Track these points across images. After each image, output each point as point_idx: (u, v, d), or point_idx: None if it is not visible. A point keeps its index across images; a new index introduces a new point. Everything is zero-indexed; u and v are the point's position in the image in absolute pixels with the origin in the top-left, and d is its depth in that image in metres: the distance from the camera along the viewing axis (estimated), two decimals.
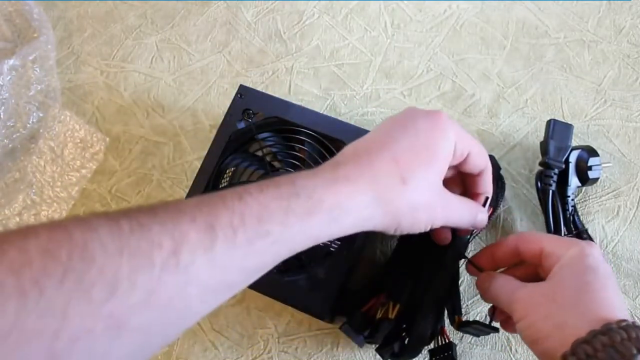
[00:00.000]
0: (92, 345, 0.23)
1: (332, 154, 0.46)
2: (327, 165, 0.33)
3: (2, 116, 0.55)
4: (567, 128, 0.47)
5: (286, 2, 0.61)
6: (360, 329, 0.43)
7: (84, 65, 0.61)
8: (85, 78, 0.61)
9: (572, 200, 0.47)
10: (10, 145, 0.56)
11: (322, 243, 0.45)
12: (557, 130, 0.47)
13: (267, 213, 0.28)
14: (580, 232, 0.47)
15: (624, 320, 0.30)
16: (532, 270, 0.38)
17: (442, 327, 0.43)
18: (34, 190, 0.57)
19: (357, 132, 0.46)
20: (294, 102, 0.48)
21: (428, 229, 0.35)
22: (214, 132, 0.49)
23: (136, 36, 0.62)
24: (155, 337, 0.26)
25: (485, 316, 0.47)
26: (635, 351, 0.29)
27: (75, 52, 0.62)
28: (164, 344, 0.27)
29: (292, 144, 0.48)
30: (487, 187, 0.40)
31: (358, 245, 0.44)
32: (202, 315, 0.28)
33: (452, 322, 0.43)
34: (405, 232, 0.34)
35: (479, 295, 0.48)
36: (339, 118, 0.50)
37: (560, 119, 0.49)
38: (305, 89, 0.57)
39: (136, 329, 0.24)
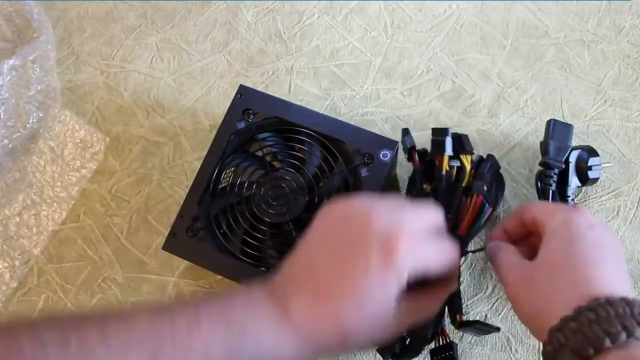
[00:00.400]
0: None
1: (332, 154, 0.46)
2: (277, 306, 0.32)
3: (2, 116, 0.55)
4: (567, 128, 0.47)
5: (286, 2, 0.61)
6: None
7: (84, 65, 0.61)
8: (85, 78, 0.61)
9: (572, 200, 0.47)
10: (10, 145, 0.56)
11: None
12: (557, 130, 0.47)
13: (211, 354, 0.29)
14: None
15: (597, 299, 0.29)
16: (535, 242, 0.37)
17: (443, 327, 0.43)
18: (34, 190, 0.57)
19: (357, 132, 0.46)
20: (294, 102, 0.48)
21: None
22: (214, 132, 0.49)
23: (136, 36, 0.62)
24: None
25: (486, 316, 0.47)
26: (602, 334, 0.27)
27: (75, 52, 0.62)
28: None
29: (292, 144, 0.48)
30: (447, 289, 0.37)
31: None
32: None
33: (453, 322, 0.43)
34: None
35: (479, 295, 0.48)
36: (339, 118, 0.50)
37: (560, 119, 0.49)
38: (305, 89, 0.57)
39: None
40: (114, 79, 0.60)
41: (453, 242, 0.36)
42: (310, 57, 0.58)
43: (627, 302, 0.28)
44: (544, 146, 0.47)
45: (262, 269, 0.45)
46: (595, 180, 0.47)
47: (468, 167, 0.45)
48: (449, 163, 0.45)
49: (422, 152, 0.47)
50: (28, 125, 0.57)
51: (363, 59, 0.57)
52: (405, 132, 0.48)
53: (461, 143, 0.46)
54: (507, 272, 0.35)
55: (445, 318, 0.44)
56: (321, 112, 0.55)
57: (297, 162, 0.47)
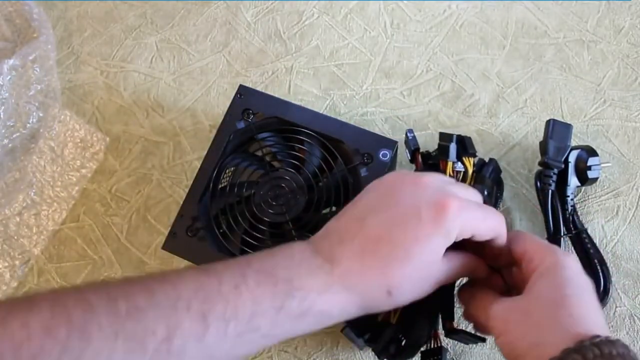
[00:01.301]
0: None
1: (331, 154, 0.47)
2: (322, 260, 0.33)
3: (2, 116, 0.55)
4: (566, 128, 0.47)
5: (286, 2, 0.61)
6: (361, 333, 0.43)
7: (84, 65, 0.61)
8: (85, 78, 0.61)
9: (572, 200, 0.47)
10: (10, 145, 0.56)
11: None
12: (556, 130, 0.47)
13: (260, 310, 0.30)
14: (579, 232, 0.47)
15: (597, 336, 0.30)
16: (518, 274, 0.38)
17: (436, 330, 0.43)
18: (34, 190, 0.57)
19: (357, 132, 0.46)
20: (293, 102, 0.49)
21: None
22: (214, 132, 0.49)
23: (136, 36, 0.62)
24: None
25: None
26: None
27: (75, 52, 0.62)
28: None
29: (292, 144, 0.48)
30: (498, 250, 0.38)
31: None
32: None
33: (443, 327, 0.43)
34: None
35: None
36: (339, 118, 0.50)
37: (560, 118, 0.49)
38: (305, 89, 0.57)
39: None
40: (114, 79, 0.60)
41: (498, 212, 0.37)
42: (310, 57, 0.58)
43: (596, 342, 0.30)
44: (544, 146, 0.47)
45: None
46: (595, 180, 0.47)
47: (470, 170, 0.45)
48: (453, 168, 0.45)
49: (426, 155, 0.47)
50: (28, 125, 0.57)
51: (362, 59, 0.57)
52: (410, 133, 0.48)
53: (464, 145, 0.46)
54: (491, 308, 0.35)
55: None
56: (321, 112, 0.55)
57: (296, 162, 0.47)
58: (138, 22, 0.62)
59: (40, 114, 0.58)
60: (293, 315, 0.31)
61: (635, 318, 0.46)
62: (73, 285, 0.28)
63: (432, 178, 0.35)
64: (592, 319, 0.32)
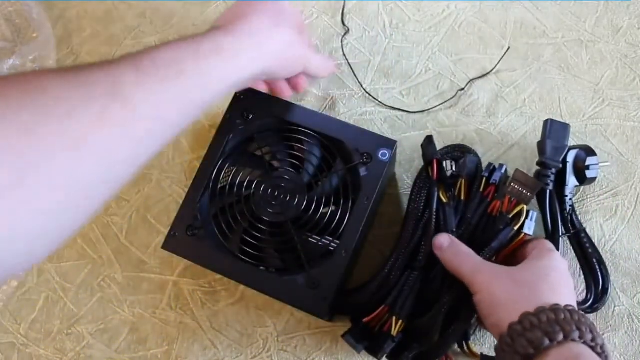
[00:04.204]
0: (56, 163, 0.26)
1: (331, 154, 0.47)
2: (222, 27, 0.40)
3: None
4: (564, 128, 0.47)
5: None
6: (362, 339, 0.43)
7: None
8: None
9: (570, 199, 0.47)
10: None
11: (321, 243, 0.45)
12: (554, 130, 0.47)
13: (180, 54, 0.34)
14: (578, 232, 0.47)
15: (557, 305, 0.35)
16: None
17: (449, 354, 0.43)
18: None
19: (356, 132, 0.47)
20: (293, 102, 0.49)
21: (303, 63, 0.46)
22: (214, 132, 0.49)
23: (135, 36, 0.62)
24: (118, 163, 0.30)
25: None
26: (541, 335, 0.33)
27: (75, 52, 0.62)
28: (126, 173, 0.31)
29: (291, 143, 0.48)
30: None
31: (356, 245, 0.44)
32: (151, 150, 0.33)
33: (461, 347, 0.43)
34: (295, 70, 0.45)
35: None
36: (338, 118, 0.51)
37: (559, 118, 0.49)
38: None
39: (95, 150, 0.28)
40: None
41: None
42: None
43: (569, 310, 0.35)
44: (541, 146, 0.47)
45: (262, 268, 0.45)
46: (593, 179, 0.48)
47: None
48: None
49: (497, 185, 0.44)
50: None
51: (362, 59, 0.58)
52: (429, 140, 0.46)
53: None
54: (479, 265, 0.40)
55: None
56: (320, 111, 0.55)
57: (296, 162, 0.48)
58: (137, 22, 0.62)
59: None
60: (209, 52, 0.36)
61: (634, 317, 0.47)
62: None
63: None
64: (567, 296, 0.37)
